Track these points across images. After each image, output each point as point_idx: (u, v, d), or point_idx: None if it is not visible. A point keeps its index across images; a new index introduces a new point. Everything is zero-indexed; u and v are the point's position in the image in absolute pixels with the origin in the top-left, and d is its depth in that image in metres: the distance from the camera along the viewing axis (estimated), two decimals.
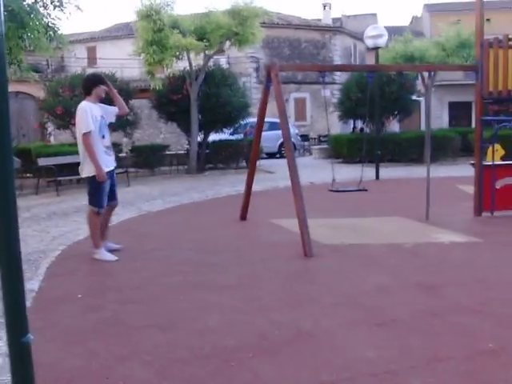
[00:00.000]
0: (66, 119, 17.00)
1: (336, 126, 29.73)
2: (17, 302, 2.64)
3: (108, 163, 7.10)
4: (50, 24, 12.55)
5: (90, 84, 7.17)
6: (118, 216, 10.20)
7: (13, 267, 2.59)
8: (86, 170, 6.97)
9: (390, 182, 15.12)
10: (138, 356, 4.06)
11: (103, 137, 7.04)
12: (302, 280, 6.02)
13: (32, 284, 5.94)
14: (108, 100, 7.42)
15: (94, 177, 6.90)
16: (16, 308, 2.64)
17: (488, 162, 9.68)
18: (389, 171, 17.54)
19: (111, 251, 7.24)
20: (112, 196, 7.27)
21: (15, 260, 2.59)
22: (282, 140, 20.80)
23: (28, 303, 5.22)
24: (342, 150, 21.57)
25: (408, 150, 20.75)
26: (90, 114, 6.87)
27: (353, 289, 5.58)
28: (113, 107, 7.45)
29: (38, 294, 5.66)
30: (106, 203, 7.10)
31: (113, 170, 7.28)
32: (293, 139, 24.69)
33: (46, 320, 4.88)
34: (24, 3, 11.91)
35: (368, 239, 7.91)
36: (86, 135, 6.85)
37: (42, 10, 12.34)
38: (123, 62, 28.25)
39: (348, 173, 15.52)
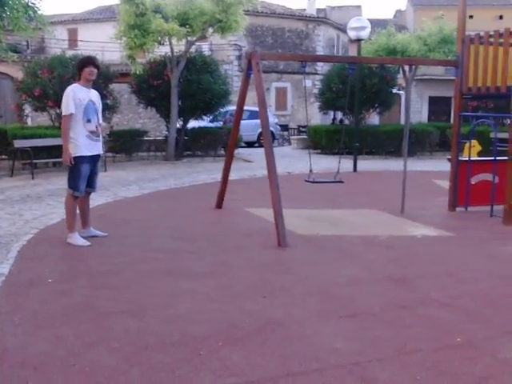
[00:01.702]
0: (44, 101, 16.79)
1: (316, 116, 29.75)
2: None
3: (90, 148, 7.01)
4: (29, 4, 12.40)
5: (78, 66, 7.19)
6: (93, 201, 10.05)
7: None
8: (72, 150, 6.91)
9: (367, 175, 15.17)
10: (106, 342, 4.04)
11: (88, 121, 6.96)
12: (274, 270, 6.02)
13: (2, 268, 5.88)
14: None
15: (75, 158, 6.87)
16: None
17: (464, 158, 9.76)
18: (366, 163, 17.59)
19: (90, 237, 7.21)
20: (91, 183, 7.21)
21: None
22: (261, 129, 20.82)
23: None
24: (321, 140, 21.58)
25: (386, 143, 20.83)
26: (74, 96, 6.83)
27: (325, 280, 5.60)
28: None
29: (7, 278, 5.60)
30: (83, 188, 7.04)
31: (97, 156, 7.19)
32: (272, 128, 24.76)
33: (15, 304, 4.84)
34: None
35: (342, 231, 7.95)
36: (65, 117, 6.86)
37: None
38: (104, 45, 27.98)
39: (326, 164, 15.59)
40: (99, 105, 7.31)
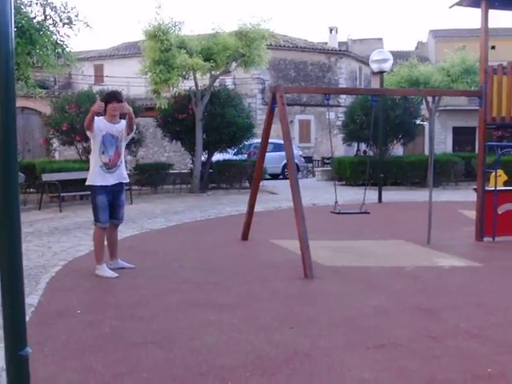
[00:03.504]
0: (72, 135, 17.07)
1: (340, 148, 29.83)
2: (16, 316, 2.65)
3: (105, 179, 7.07)
4: (58, 41, 12.67)
5: (103, 102, 7.20)
6: (120, 233, 10.17)
7: (14, 281, 2.61)
8: (88, 177, 7.11)
9: (393, 206, 15.14)
10: (135, 373, 4.06)
11: (103, 153, 7.05)
12: (301, 301, 6.01)
13: (32, 299, 5.94)
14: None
15: (90, 187, 7.05)
16: (15, 321, 2.65)
17: (490, 188, 9.71)
18: (391, 194, 17.55)
19: (118, 269, 7.29)
20: (115, 214, 7.26)
21: (17, 274, 2.61)
22: (285, 161, 20.90)
23: (27, 317, 5.23)
24: (345, 172, 21.62)
25: (411, 174, 20.81)
26: (96, 124, 6.97)
27: (352, 311, 5.57)
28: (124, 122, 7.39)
29: (37, 309, 5.66)
30: (106, 218, 7.11)
31: (115, 186, 7.18)
32: (296, 161, 24.84)
33: (44, 334, 4.89)
34: (34, 20, 12.03)
35: (369, 262, 7.92)
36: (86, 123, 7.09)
37: (51, 27, 12.44)
38: (130, 80, 28.41)
39: (350, 195, 15.59)
40: (123, 136, 7.29)
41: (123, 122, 7.27)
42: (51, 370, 4.13)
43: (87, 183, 7.12)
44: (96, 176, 7.03)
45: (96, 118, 7.05)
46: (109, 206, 7.14)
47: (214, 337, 4.79)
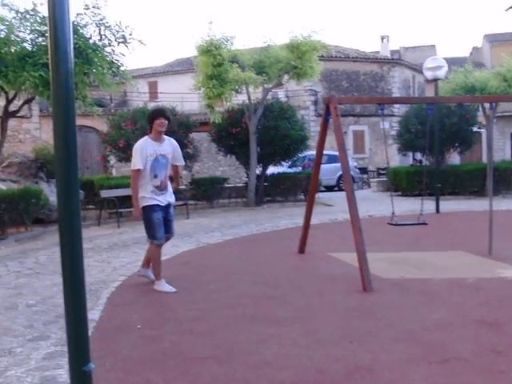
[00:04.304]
0: (128, 152, 17.32)
1: (395, 158, 29.51)
2: (79, 332, 2.70)
3: (159, 198, 7.13)
4: (114, 60, 12.92)
5: (149, 119, 7.27)
6: (177, 248, 10.33)
7: (77, 297, 2.66)
8: (140, 202, 7.11)
9: (451, 216, 14.87)
10: None
11: (155, 176, 7.08)
12: (360, 314, 5.93)
13: (93, 314, 6.03)
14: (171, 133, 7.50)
15: (144, 208, 7.07)
16: (78, 337, 2.70)
17: None
18: (449, 204, 17.25)
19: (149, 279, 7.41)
20: (168, 228, 7.33)
21: (79, 290, 2.66)
22: (340, 173, 20.76)
23: (89, 333, 5.32)
24: (401, 182, 21.35)
25: (469, 183, 20.40)
26: (142, 152, 6.95)
27: (413, 324, 5.47)
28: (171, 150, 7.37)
29: (98, 324, 5.76)
30: (162, 235, 7.18)
31: (168, 205, 7.28)
32: (351, 172, 24.63)
33: (106, 349, 4.96)
34: (90, 40, 12.32)
35: (428, 274, 7.77)
36: (133, 172, 7.04)
37: (106, 46, 12.71)
38: (183, 95, 28.78)
39: (407, 206, 15.37)
40: (173, 153, 7.32)
41: (167, 141, 7.28)
42: (108, 380, 4.18)
43: (141, 205, 7.08)
44: (148, 199, 7.05)
45: (141, 142, 7.07)
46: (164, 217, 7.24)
47: (273, 351, 4.77)
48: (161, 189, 7.15)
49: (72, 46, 2.59)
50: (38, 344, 5.24)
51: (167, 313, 6.22)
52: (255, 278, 7.82)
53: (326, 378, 4.16)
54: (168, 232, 7.35)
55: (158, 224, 7.12)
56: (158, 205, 7.09)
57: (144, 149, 6.99)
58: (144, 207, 7.06)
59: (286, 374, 4.24)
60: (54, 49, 2.52)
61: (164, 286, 7.11)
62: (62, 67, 2.53)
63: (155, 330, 5.51)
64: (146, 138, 7.15)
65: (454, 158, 26.00)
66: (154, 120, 7.10)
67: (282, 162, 20.41)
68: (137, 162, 6.94)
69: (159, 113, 7.25)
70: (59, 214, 2.64)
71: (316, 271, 8.21)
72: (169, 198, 7.30)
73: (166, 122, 7.17)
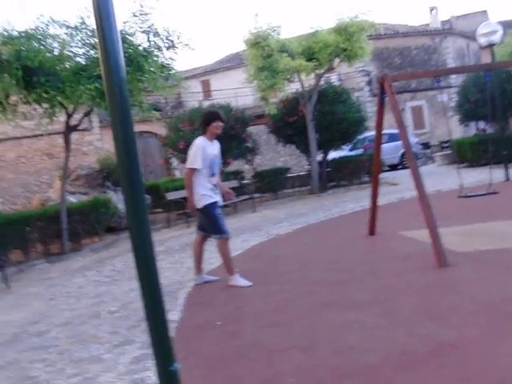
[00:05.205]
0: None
1: (457, 130, 28.88)
2: (162, 334, 2.75)
3: (216, 197, 7.26)
4: (164, 64, 13.07)
5: (205, 121, 7.32)
6: (248, 242, 10.41)
7: (155, 301, 2.70)
8: (199, 202, 7.19)
9: None
10: (281, 378, 4.10)
11: (212, 175, 7.22)
12: (438, 290, 5.84)
13: (173, 315, 6.14)
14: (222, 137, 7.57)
15: (205, 207, 7.14)
16: (161, 339, 2.75)
17: None
18: None
19: (206, 282, 7.52)
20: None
21: (157, 293, 2.70)
22: (402, 151, 20.48)
23: (171, 334, 5.43)
24: (466, 153, 20.88)
25: None
26: (203, 152, 7.05)
27: (494, 296, 5.34)
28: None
29: (179, 324, 5.86)
30: (227, 227, 7.26)
31: (220, 206, 7.38)
32: (413, 148, 24.28)
33: (189, 348, 5.04)
34: (140, 48, 12.49)
35: (504, 244, 7.56)
36: (190, 170, 7.14)
37: (156, 52, 12.86)
38: (236, 91, 28.90)
39: (475, 177, 15.05)
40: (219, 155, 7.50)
41: (216, 142, 7.40)
42: (200, 382, 4.25)
43: (199, 206, 7.18)
44: (209, 198, 7.15)
45: (201, 141, 7.15)
46: None
47: (354, 335, 4.75)
48: (216, 187, 7.31)
49: (122, 55, 2.63)
50: (124, 349, 5.38)
51: (245, 307, 6.28)
52: (328, 264, 7.81)
53: (411, 359, 4.11)
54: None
55: (222, 218, 7.24)
56: (216, 202, 7.22)
57: (205, 148, 7.10)
58: (206, 205, 7.14)
59: (370, 358, 4.22)
60: (105, 60, 2.56)
61: (239, 281, 7.17)
62: (114, 77, 2.57)
63: (235, 325, 5.57)
64: (203, 138, 7.23)
65: None
66: (211, 122, 7.20)
67: (343, 146, 20.25)
68: (196, 161, 7.05)
69: (216, 115, 7.32)
70: (128, 220, 2.70)
71: (388, 252, 8.14)
72: (220, 197, 7.44)
73: (223, 125, 7.28)
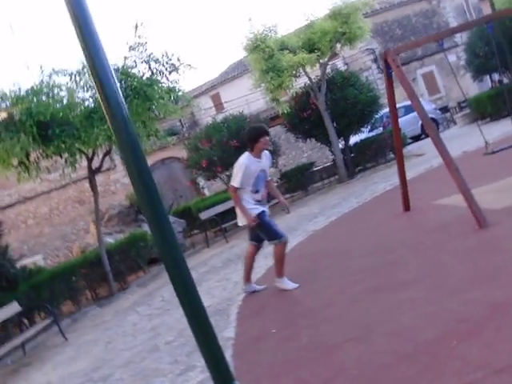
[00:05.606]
0: (213, 169, 17.65)
1: (472, 87, 28.56)
2: (214, 354, 2.78)
3: (261, 207, 7.16)
4: (170, 88, 13.17)
5: (251, 138, 7.12)
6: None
7: (201, 323, 2.74)
8: (241, 220, 7.23)
9: None
10: (345, 372, 4.11)
11: (257, 191, 7.15)
12: (483, 253, 5.77)
13: (229, 332, 6.19)
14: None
15: (256, 217, 7.07)
16: (215, 360, 2.78)
17: None
18: None
19: (254, 292, 7.54)
20: (261, 238, 7.35)
21: (201, 316, 2.74)
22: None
23: (229, 350, 5.47)
24: (486, 109, 20.62)
25: None
26: (246, 170, 6.96)
27: None
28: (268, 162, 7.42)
29: (236, 340, 5.89)
30: (281, 230, 7.19)
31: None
32: (432, 115, 24.13)
33: (250, 361, 5.08)
34: (143, 78, 12.60)
35: None
36: (232, 188, 7.12)
37: (159, 78, 12.96)
38: (247, 97, 28.96)
39: (499, 130, 14.88)
40: (269, 166, 7.40)
41: (264, 155, 7.26)
42: None
43: (243, 223, 7.19)
44: (253, 210, 7.06)
45: (245, 159, 7.05)
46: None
47: (408, 315, 4.73)
48: (262, 203, 7.25)
49: (120, 93, 2.68)
50: (187, 376, 5.44)
51: (296, 308, 6.30)
52: (368, 249, 7.76)
53: (468, 326, 4.08)
54: (262, 240, 7.44)
55: (275, 224, 7.21)
56: (264, 211, 7.15)
57: (248, 167, 7.00)
58: (257, 215, 7.06)
59: (427, 334, 4.20)
60: (105, 102, 2.62)
61: (287, 284, 7.17)
62: (117, 116, 2.63)
63: (290, 329, 5.59)
64: (248, 155, 7.12)
65: None
66: (258, 138, 7.03)
67: (362, 129, 20.14)
68: (236, 179, 7.02)
69: (264, 130, 7.20)
70: (159, 250, 2.73)
71: (426, 224, 8.06)
72: (266, 208, 7.37)
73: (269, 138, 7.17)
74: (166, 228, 2.66)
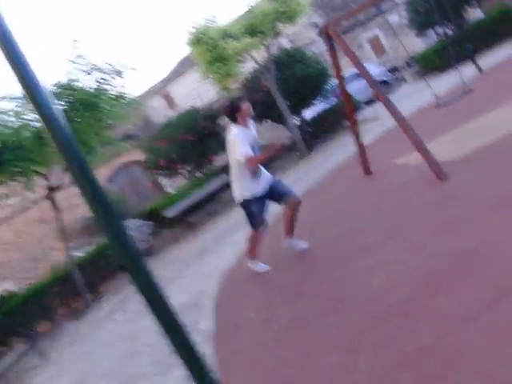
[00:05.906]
0: (172, 166, 17.64)
1: (418, 43, 28.74)
2: (186, 349, 2.75)
3: (254, 189, 6.74)
4: (117, 94, 13.06)
5: (232, 111, 6.67)
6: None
7: (168, 322, 2.71)
8: (237, 197, 6.86)
9: (495, 71, 14.19)
10: (324, 344, 4.13)
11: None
12: (445, 204, 5.78)
13: (207, 324, 6.15)
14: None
15: (244, 202, 6.76)
16: (188, 354, 2.75)
17: None
18: (488, 60, 16.57)
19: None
20: (284, 193, 6.88)
21: (167, 315, 2.71)
22: None
23: (211, 343, 5.46)
24: (434, 63, 20.76)
25: (497, 31, 19.42)
26: (245, 140, 6.48)
27: (502, 190, 5.21)
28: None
29: (216, 332, 5.85)
30: (263, 221, 6.91)
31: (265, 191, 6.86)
32: (384, 77, 24.22)
33: (232, 351, 5.09)
34: (89, 89, 12.46)
35: (492, 137, 7.38)
36: (248, 157, 6.46)
37: (105, 86, 12.82)
38: (198, 91, 28.80)
39: (449, 81, 14.96)
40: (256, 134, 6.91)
41: (251, 122, 6.86)
42: (247, 373, 4.29)
43: (239, 201, 6.82)
44: (246, 190, 6.72)
45: (236, 129, 6.58)
46: (268, 196, 6.86)
47: (379, 278, 4.75)
48: (258, 175, 6.76)
49: (56, 108, 2.61)
50: (169, 375, 5.37)
51: (271, 290, 6.28)
52: (336, 219, 7.75)
53: (438, 278, 4.12)
54: (290, 194, 6.93)
55: (260, 212, 6.83)
56: (256, 197, 6.76)
57: (245, 137, 6.53)
58: (245, 200, 6.75)
59: (399, 293, 4.23)
60: (44, 120, 2.57)
61: (258, 266, 7.15)
62: (58, 133, 2.58)
63: (268, 311, 5.58)
64: (236, 127, 6.64)
65: (478, 14, 25.00)
66: (240, 107, 6.60)
67: (315, 102, 20.15)
68: (243, 149, 6.42)
69: (240, 100, 6.78)
70: (123, 262, 2.66)
71: (388, 185, 8.10)
72: (264, 182, 6.84)
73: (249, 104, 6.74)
74: (124, 239, 2.60)
